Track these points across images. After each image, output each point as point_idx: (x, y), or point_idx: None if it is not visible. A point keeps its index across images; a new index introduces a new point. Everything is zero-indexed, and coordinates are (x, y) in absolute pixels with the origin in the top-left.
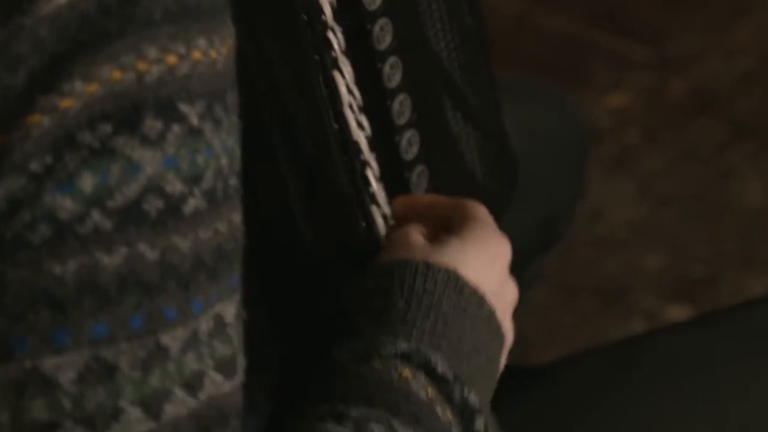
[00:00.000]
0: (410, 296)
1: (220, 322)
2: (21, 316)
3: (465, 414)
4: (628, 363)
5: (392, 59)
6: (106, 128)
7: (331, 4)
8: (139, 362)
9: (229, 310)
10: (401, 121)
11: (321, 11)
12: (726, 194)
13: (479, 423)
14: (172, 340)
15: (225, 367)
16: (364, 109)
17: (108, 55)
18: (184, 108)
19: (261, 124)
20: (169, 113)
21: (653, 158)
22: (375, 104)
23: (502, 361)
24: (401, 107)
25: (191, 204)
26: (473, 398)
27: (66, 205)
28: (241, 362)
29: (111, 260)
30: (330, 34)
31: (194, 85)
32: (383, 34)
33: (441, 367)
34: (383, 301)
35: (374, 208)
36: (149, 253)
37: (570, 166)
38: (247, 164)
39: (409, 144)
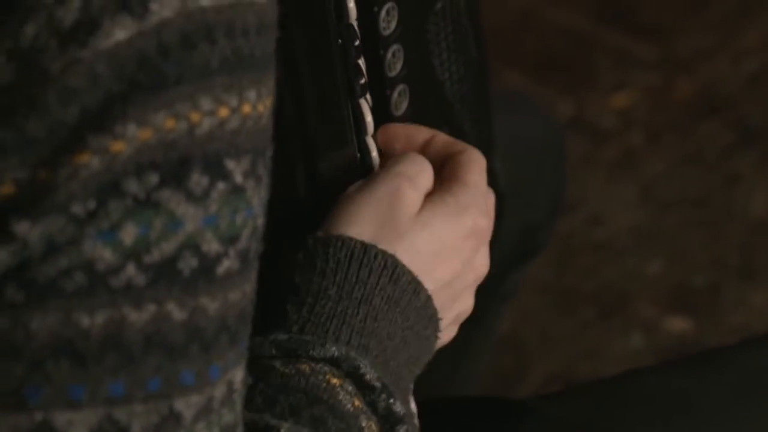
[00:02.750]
0: (343, 284)
1: (230, 389)
2: (40, 366)
3: (388, 422)
4: (610, 403)
5: (401, 87)
6: (153, 179)
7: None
8: (152, 428)
9: (239, 375)
10: None
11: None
12: (730, 201)
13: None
14: (186, 406)
15: None
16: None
17: (164, 101)
18: (230, 165)
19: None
20: (216, 170)
21: (656, 161)
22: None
23: (437, 343)
24: None
25: (225, 265)
26: (398, 407)
27: (105, 255)
28: (241, 428)
29: (138, 317)
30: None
31: (241, 141)
32: (395, 60)
33: (369, 375)
34: (314, 285)
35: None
36: (177, 313)
37: (548, 175)
38: None
39: None
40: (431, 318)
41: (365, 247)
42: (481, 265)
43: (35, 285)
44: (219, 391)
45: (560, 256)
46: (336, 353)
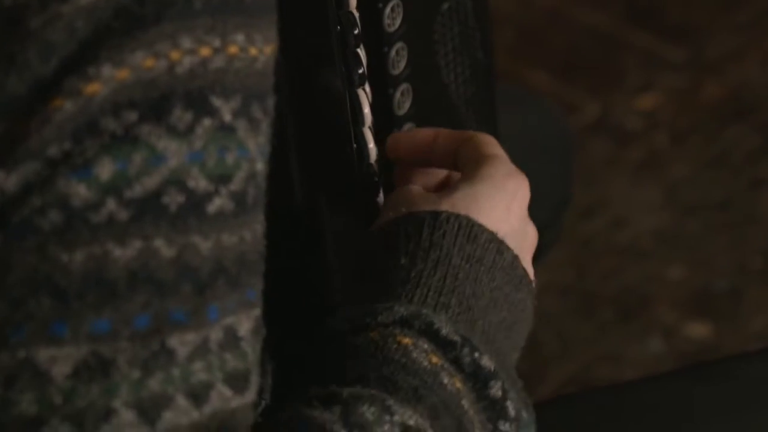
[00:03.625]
0: (415, 252)
1: (232, 335)
2: (21, 303)
3: (478, 380)
4: (617, 410)
5: (404, 86)
6: (132, 116)
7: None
8: (140, 362)
9: (244, 324)
10: None
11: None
12: (754, 206)
13: (495, 389)
14: (180, 343)
15: (235, 382)
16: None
17: (142, 41)
18: (216, 102)
19: None
20: (200, 106)
21: (681, 164)
22: (384, 129)
23: (530, 309)
24: None
25: (216, 204)
26: (486, 362)
27: (80, 191)
28: (255, 380)
29: (123, 253)
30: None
31: (230, 79)
32: (399, 59)
33: (446, 329)
34: (385, 261)
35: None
36: (165, 249)
37: (554, 174)
38: None
39: None
40: (522, 280)
41: (434, 214)
42: (533, 231)
43: (11, 225)
44: (216, 334)
45: (581, 259)
46: (405, 312)
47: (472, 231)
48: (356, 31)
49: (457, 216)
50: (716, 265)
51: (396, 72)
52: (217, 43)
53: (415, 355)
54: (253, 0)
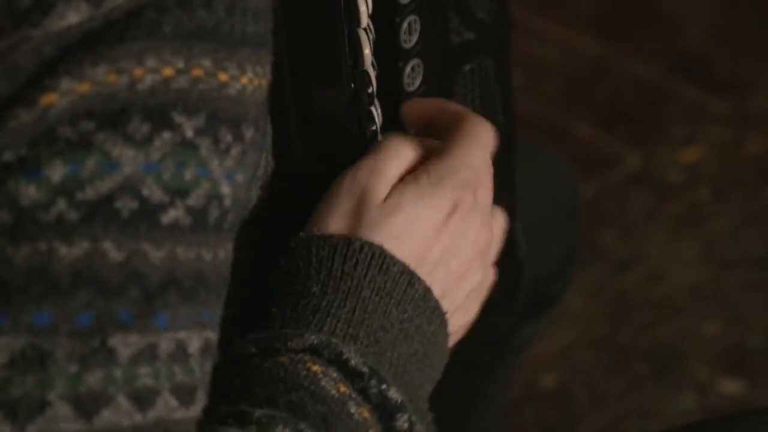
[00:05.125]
0: (327, 281)
1: (182, 349)
2: None
3: (385, 411)
4: None
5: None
6: (89, 125)
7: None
8: (77, 357)
9: (195, 341)
10: None
11: None
12: None
13: (401, 421)
14: (122, 344)
15: (182, 395)
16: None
17: (106, 57)
18: (178, 118)
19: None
20: (160, 119)
21: (721, 219)
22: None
23: (449, 339)
24: None
25: (171, 215)
26: (393, 394)
27: (29, 192)
28: (201, 397)
29: (69, 252)
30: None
31: (193, 99)
32: (414, 75)
33: (354, 360)
34: (298, 287)
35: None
36: (113, 253)
37: (562, 226)
38: None
39: None
40: (434, 311)
41: (348, 240)
42: (477, 234)
43: None
44: (166, 344)
45: (616, 312)
46: (315, 341)
47: (384, 262)
48: (370, 90)
49: (371, 245)
50: (751, 321)
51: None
52: (180, 64)
53: (323, 383)
54: (232, 31)
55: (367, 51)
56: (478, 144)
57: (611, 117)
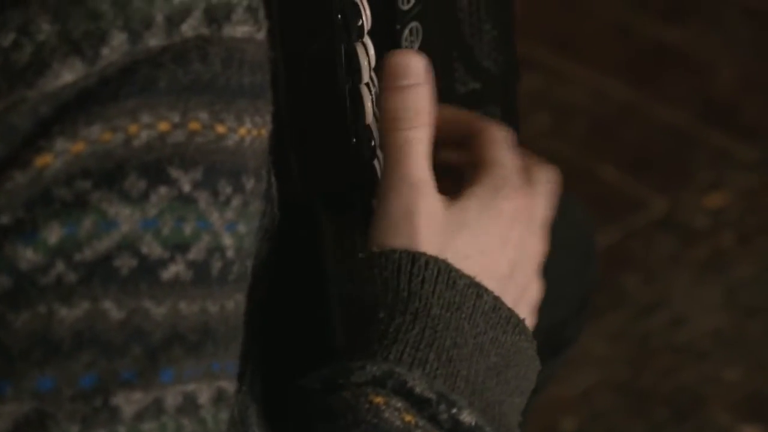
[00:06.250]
0: (394, 305)
1: (191, 401)
2: None
3: None
4: None
5: None
6: (85, 184)
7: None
8: (79, 417)
9: (205, 392)
10: None
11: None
12: None
13: None
14: (125, 402)
15: None
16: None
17: (100, 115)
18: (174, 173)
19: None
20: (156, 175)
21: (745, 265)
22: None
23: (528, 350)
24: None
25: (171, 271)
26: (466, 416)
27: (27, 255)
28: None
29: (69, 313)
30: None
31: (190, 153)
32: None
33: (420, 387)
34: (366, 312)
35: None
36: (114, 312)
37: (577, 271)
38: None
39: None
40: (509, 321)
41: (412, 257)
42: (534, 245)
43: None
44: (172, 397)
45: (638, 356)
46: (377, 372)
47: (451, 276)
48: (372, 143)
49: (436, 260)
50: None
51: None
52: (177, 118)
53: (386, 414)
54: (229, 83)
55: (368, 105)
56: (509, 149)
57: (638, 161)
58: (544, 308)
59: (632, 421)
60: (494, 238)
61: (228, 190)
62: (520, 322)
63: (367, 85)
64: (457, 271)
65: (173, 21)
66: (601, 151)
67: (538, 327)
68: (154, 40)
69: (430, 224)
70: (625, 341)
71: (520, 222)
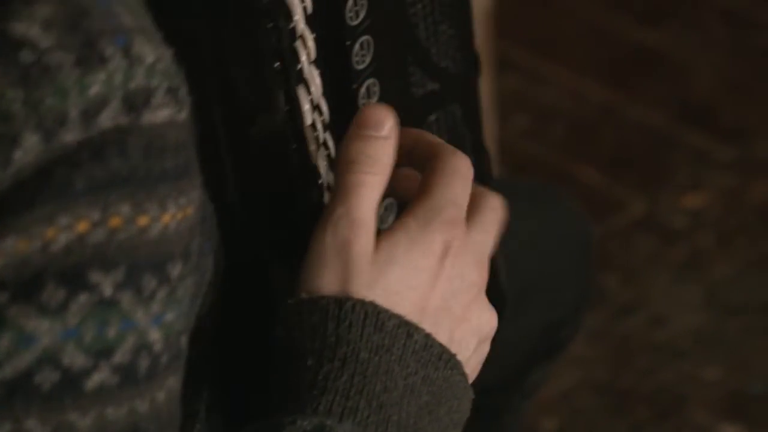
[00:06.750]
0: (322, 351)
1: None
2: None
3: None
4: None
5: (387, 201)
6: (2, 298)
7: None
8: None
9: None
10: None
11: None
12: None
13: None
14: None
15: None
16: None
17: (14, 227)
18: (95, 277)
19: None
20: (75, 282)
21: (725, 264)
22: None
23: (460, 382)
24: None
25: (95, 379)
26: None
27: None
28: None
29: None
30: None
31: (112, 252)
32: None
33: None
34: (295, 361)
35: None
36: (39, 429)
37: (574, 271)
38: None
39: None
40: (440, 357)
41: (339, 301)
42: (471, 276)
43: None
44: None
45: (618, 356)
46: (308, 427)
47: (379, 318)
48: (320, 181)
49: (363, 304)
50: (753, 367)
51: None
52: (96, 216)
53: None
54: (150, 172)
55: (312, 148)
56: (458, 177)
57: (616, 162)
58: (540, 309)
59: (613, 421)
60: (424, 272)
61: (152, 284)
62: (452, 357)
63: (313, 125)
64: (386, 311)
65: (89, 113)
66: (580, 153)
67: (534, 328)
68: (69, 136)
69: (361, 261)
70: (605, 341)
71: (454, 254)
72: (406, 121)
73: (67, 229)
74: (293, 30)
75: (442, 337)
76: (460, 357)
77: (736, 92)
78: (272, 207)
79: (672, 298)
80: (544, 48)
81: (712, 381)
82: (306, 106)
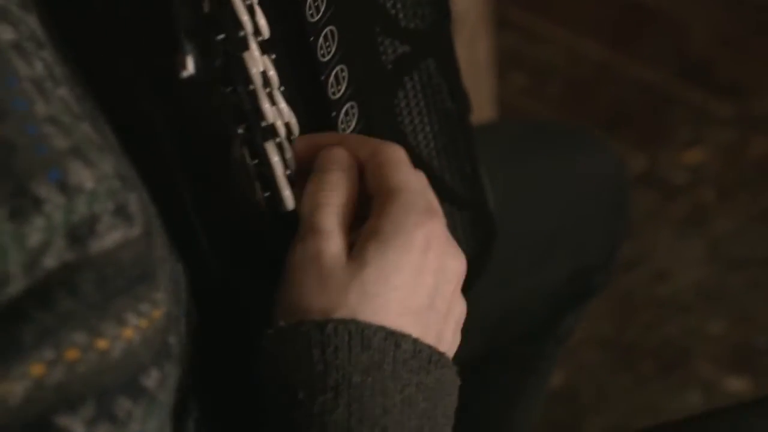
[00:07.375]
0: (312, 380)
1: None
2: None
3: None
4: None
5: None
6: None
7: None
8: None
9: None
10: None
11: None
12: None
13: None
14: None
15: None
16: None
17: None
18: (63, 420)
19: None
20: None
21: (726, 219)
22: None
23: (450, 378)
24: None
25: None
26: None
27: None
28: None
29: None
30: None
31: (75, 388)
32: (348, 118)
33: None
34: (284, 394)
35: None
36: None
37: (606, 216)
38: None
39: None
40: (430, 360)
41: (320, 326)
42: (452, 265)
43: None
44: None
45: (622, 311)
46: None
47: (364, 335)
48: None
49: (345, 323)
50: (757, 320)
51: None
52: (51, 356)
53: None
54: (105, 295)
55: (287, 193)
56: (406, 168)
57: (615, 119)
58: (571, 254)
59: (618, 375)
60: (407, 271)
61: (127, 405)
62: (441, 356)
63: (288, 176)
64: (369, 326)
65: (31, 262)
66: (578, 110)
67: (563, 273)
68: (12, 289)
69: (335, 268)
70: (609, 297)
71: (435, 245)
72: (380, 93)
73: (21, 377)
74: (253, 92)
75: (430, 338)
76: (445, 350)
77: (734, 48)
78: (236, 236)
79: (674, 253)
80: (542, 6)
81: (716, 335)
82: (275, 158)
